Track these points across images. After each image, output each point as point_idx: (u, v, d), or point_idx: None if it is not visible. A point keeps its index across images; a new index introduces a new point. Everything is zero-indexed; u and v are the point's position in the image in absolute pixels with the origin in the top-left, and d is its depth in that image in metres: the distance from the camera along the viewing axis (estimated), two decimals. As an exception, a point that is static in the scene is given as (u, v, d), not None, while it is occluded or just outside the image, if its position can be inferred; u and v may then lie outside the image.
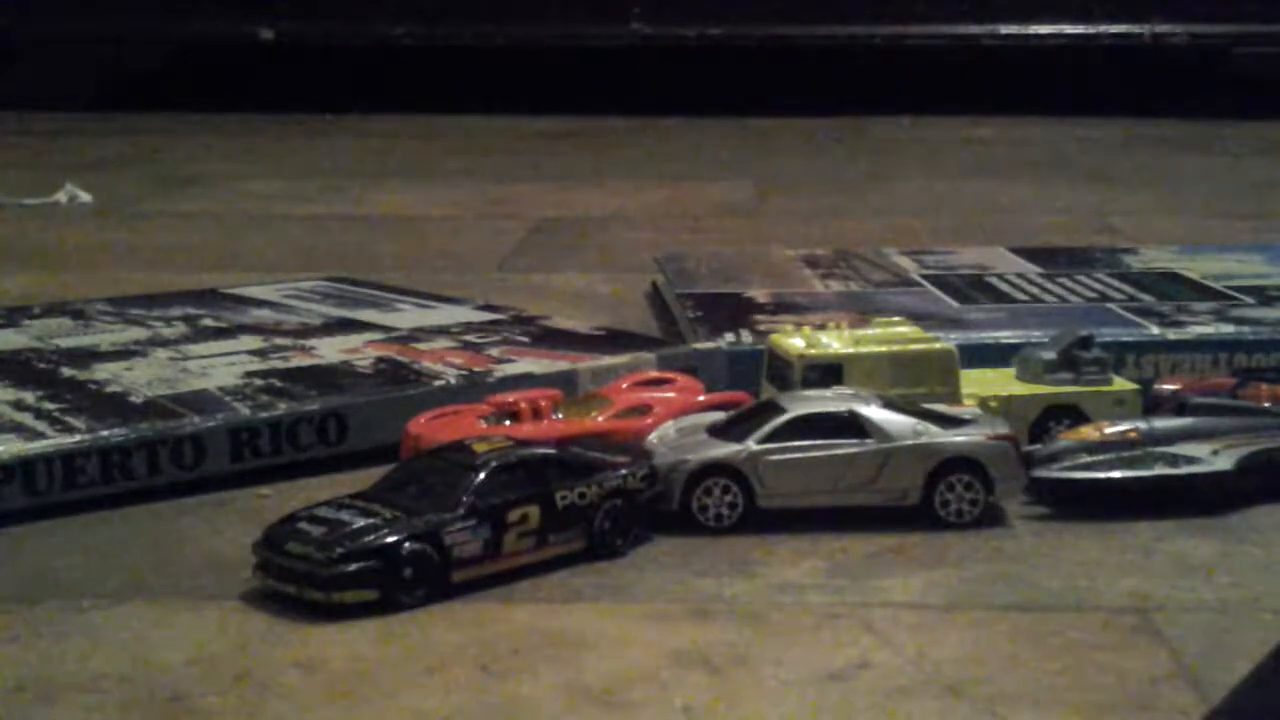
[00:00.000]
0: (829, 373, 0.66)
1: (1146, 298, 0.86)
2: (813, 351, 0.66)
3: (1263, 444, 0.66)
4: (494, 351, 0.75)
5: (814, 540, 0.59)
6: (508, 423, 0.62)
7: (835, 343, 0.67)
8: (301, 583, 0.52)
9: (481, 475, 0.54)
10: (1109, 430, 0.66)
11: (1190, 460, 0.64)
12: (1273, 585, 0.55)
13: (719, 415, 0.64)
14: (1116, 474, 0.63)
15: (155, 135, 1.82)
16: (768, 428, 0.61)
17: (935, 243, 1.07)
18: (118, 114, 1.97)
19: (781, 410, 0.62)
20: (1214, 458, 0.64)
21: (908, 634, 0.51)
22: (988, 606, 0.53)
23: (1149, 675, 0.47)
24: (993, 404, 0.67)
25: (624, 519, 0.57)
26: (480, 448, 0.56)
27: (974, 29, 1.92)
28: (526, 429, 0.62)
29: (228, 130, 1.85)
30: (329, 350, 0.76)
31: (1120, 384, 0.70)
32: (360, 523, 0.53)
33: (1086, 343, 0.70)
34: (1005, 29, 1.91)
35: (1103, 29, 1.91)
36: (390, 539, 0.52)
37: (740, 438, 0.61)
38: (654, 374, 0.71)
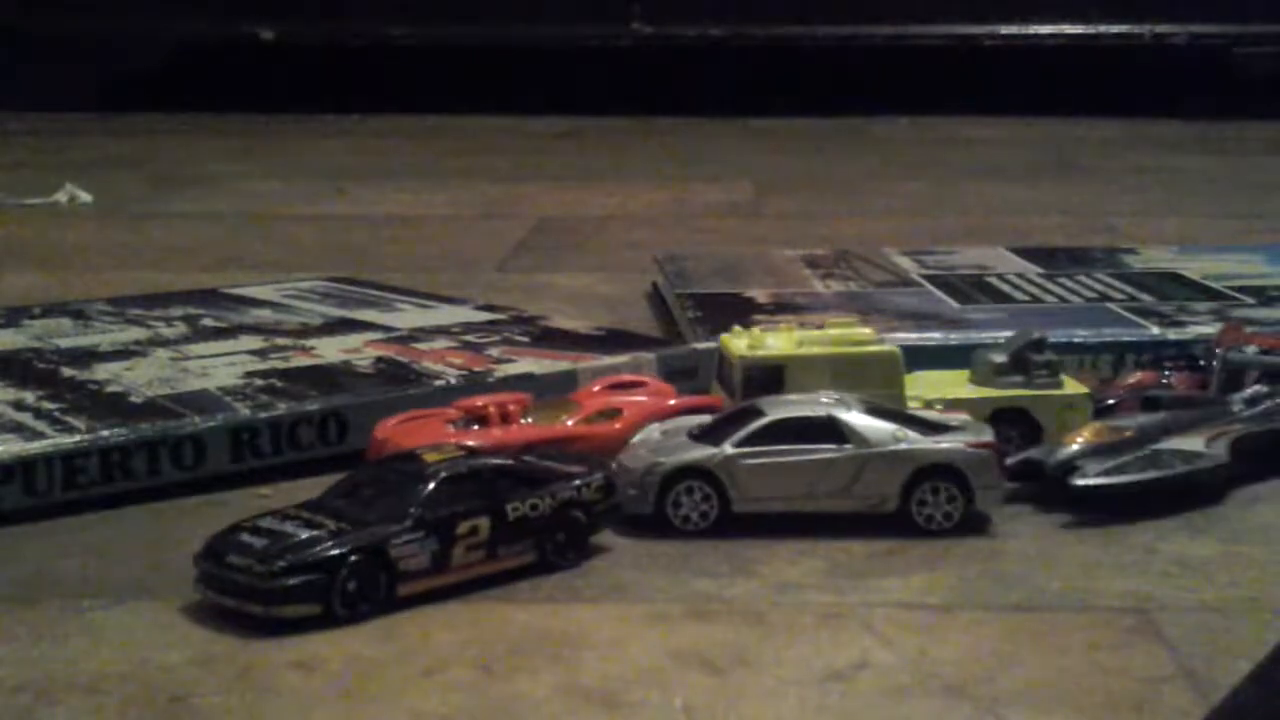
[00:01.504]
0: (770, 375, 0.65)
1: (1146, 298, 0.86)
2: (754, 353, 0.66)
3: (1235, 430, 0.66)
4: (494, 351, 0.75)
5: (814, 540, 0.59)
6: (475, 427, 0.61)
7: (778, 344, 0.66)
8: (242, 596, 0.51)
9: (430, 486, 0.53)
10: (1109, 431, 0.65)
11: (1197, 455, 0.64)
12: (1273, 585, 0.55)
13: (704, 418, 0.64)
14: (1151, 474, 0.63)
15: (155, 135, 1.82)
16: (745, 431, 0.60)
17: (935, 243, 1.07)
18: (118, 114, 1.97)
19: (760, 414, 0.61)
20: (1211, 449, 0.64)
21: (908, 634, 0.51)
22: (988, 607, 0.53)
23: (1149, 675, 0.47)
24: (937, 407, 0.66)
25: (578, 530, 0.56)
26: (431, 457, 0.55)
27: (974, 29, 1.92)
28: (495, 434, 0.61)
29: (228, 130, 1.85)
30: (329, 350, 0.76)
31: (1071, 386, 0.69)
32: (304, 535, 0.52)
33: (1039, 345, 0.69)
34: (1005, 29, 1.91)
35: (1103, 29, 1.91)
36: (334, 552, 0.51)
37: (718, 441, 0.61)
38: (626, 377, 0.70)
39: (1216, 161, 1.62)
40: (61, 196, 1.37)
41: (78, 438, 0.63)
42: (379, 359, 0.75)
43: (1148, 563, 0.57)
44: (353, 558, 0.51)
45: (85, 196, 1.38)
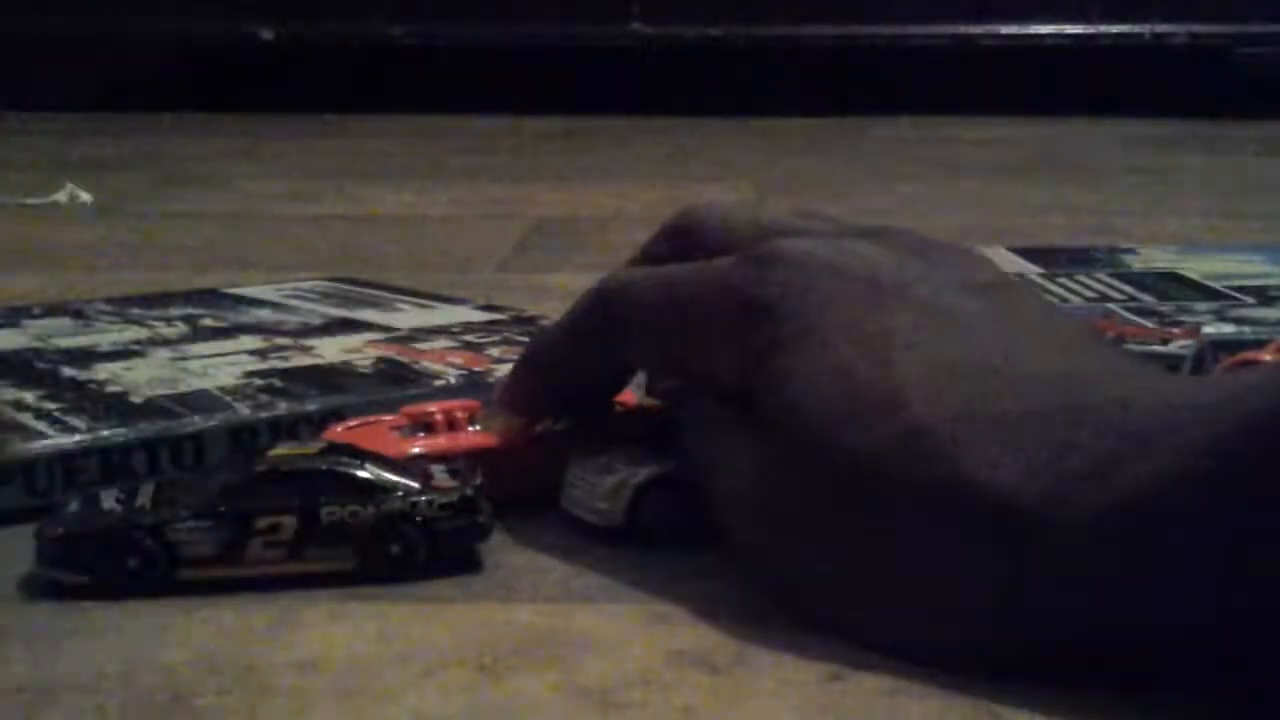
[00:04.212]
0: None
1: (1146, 298, 0.86)
2: None
3: None
4: (494, 351, 0.75)
5: (814, 540, 0.59)
6: (422, 434, 0.60)
7: None
8: (39, 560, 0.53)
9: (235, 479, 0.54)
10: None
11: None
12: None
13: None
14: None
15: (155, 135, 1.82)
16: None
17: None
18: (118, 114, 1.97)
19: None
20: None
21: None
22: (988, 606, 0.53)
23: (1149, 674, 0.47)
24: None
25: (416, 545, 0.54)
26: (273, 454, 0.55)
27: (974, 29, 1.92)
28: (441, 441, 0.60)
29: (228, 130, 1.85)
30: (329, 350, 0.76)
31: None
32: (108, 507, 0.54)
33: None
34: (1005, 29, 1.91)
35: (1103, 29, 1.91)
36: (110, 526, 0.53)
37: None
38: None
39: (1216, 161, 1.62)
40: (61, 196, 1.38)
41: (78, 438, 0.63)
42: (379, 359, 0.75)
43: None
44: (124, 534, 0.52)
45: (85, 196, 1.38)
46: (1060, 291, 0.88)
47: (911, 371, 0.48)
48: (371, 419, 0.64)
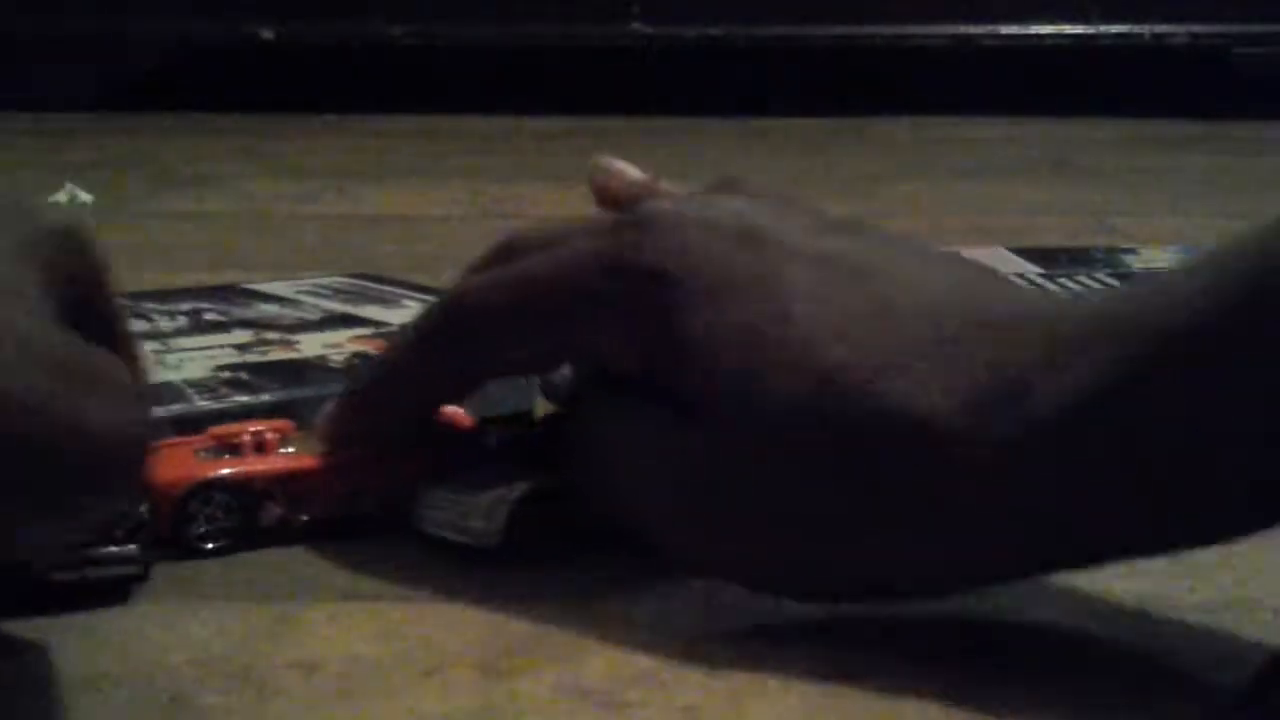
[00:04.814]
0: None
1: (1146, 298, 0.86)
2: None
3: None
4: None
5: (814, 540, 0.59)
6: (227, 455, 0.58)
7: None
8: None
9: None
10: None
11: None
12: (1273, 585, 0.55)
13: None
14: None
15: (155, 135, 1.82)
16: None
17: (935, 243, 1.06)
18: (118, 114, 1.97)
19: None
20: None
21: (909, 634, 0.51)
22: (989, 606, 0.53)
23: (1149, 675, 0.47)
24: None
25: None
26: None
27: (974, 29, 1.92)
28: (250, 462, 0.58)
29: (228, 130, 1.85)
30: (311, 345, 0.76)
31: None
32: None
33: None
34: (1005, 29, 1.91)
35: (1103, 29, 1.91)
36: None
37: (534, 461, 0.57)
38: None
39: (1216, 161, 1.62)
40: (61, 196, 1.37)
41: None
42: (354, 354, 0.74)
43: (1148, 562, 0.57)
44: None
45: (85, 196, 1.38)
46: (1060, 291, 0.88)
47: (814, 320, 0.48)
48: (179, 440, 0.61)
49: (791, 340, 0.48)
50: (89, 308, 0.47)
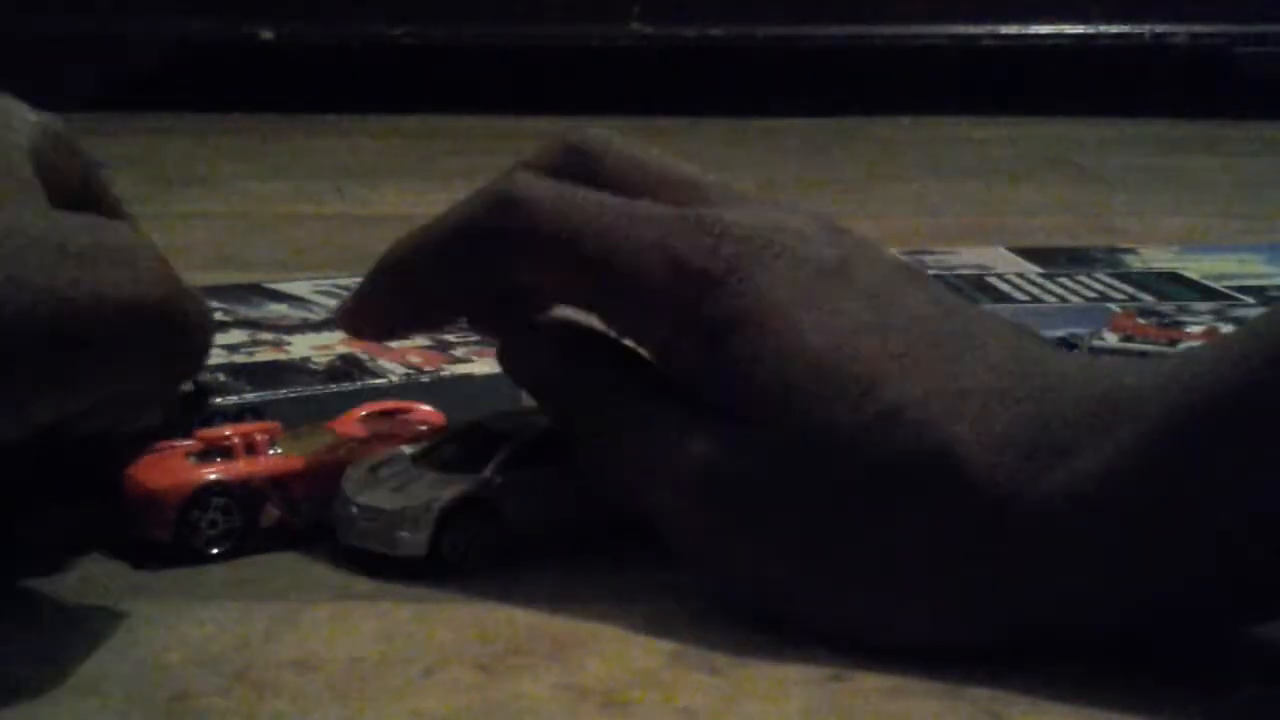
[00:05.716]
0: None
1: (1146, 298, 0.86)
2: None
3: None
4: (460, 351, 0.74)
5: (814, 540, 0.59)
6: (218, 459, 0.57)
7: None
8: None
9: None
10: None
11: None
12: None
13: (409, 447, 0.58)
14: None
15: (155, 135, 1.82)
16: (504, 455, 0.54)
17: (935, 243, 1.07)
18: (118, 114, 1.97)
19: (505, 435, 0.55)
20: None
21: (908, 634, 0.51)
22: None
23: (1149, 675, 0.47)
24: None
25: None
26: None
27: (974, 29, 1.92)
28: (239, 465, 0.57)
29: (228, 130, 1.85)
30: (301, 346, 0.76)
31: None
32: None
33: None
34: (1005, 29, 1.91)
35: (1103, 29, 1.91)
36: None
37: (476, 467, 0.55)
38: (390, 404, 0.65)
39: (1216, 161, 1.62)
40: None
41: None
42: (339, 356, 0.73)
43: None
44: None
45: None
46: (1060, 291, 0.88)
47: (874, 354, 0.48)
48: (164, 445, 0.60)
49: (853, 370, 0.48)
50: (87, 193, 0.50)
